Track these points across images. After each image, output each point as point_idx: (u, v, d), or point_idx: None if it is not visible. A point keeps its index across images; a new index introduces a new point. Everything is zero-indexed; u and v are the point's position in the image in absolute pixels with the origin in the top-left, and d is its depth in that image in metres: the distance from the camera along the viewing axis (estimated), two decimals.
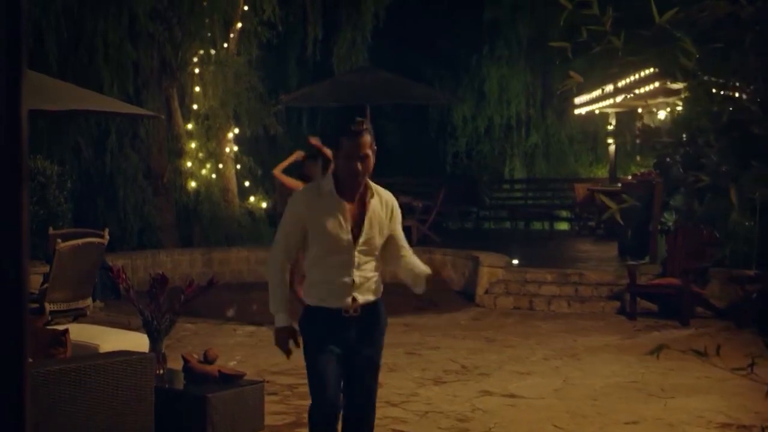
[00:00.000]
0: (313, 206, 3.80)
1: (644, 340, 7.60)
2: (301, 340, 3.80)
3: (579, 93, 14.92)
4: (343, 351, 3.75)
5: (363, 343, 3.77)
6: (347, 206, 3.80)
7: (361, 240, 3.75)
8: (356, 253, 3.74)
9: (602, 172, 16.55)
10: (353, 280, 3.73)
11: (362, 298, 3.74)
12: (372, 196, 3.85)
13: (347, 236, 3.75)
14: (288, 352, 3.79)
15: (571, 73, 2.46)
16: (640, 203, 10.54)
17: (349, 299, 3.70)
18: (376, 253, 3.83)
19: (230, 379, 4.66)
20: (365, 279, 3.77)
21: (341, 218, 3.76)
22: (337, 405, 3.71)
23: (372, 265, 3.81)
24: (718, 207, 8.94)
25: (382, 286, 3.85)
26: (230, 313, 8.57)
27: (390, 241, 3.88)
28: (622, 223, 2.78)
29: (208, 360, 4.73)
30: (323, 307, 3.74)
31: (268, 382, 5.50)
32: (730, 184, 2.41)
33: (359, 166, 3.70)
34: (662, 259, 8.96)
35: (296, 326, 3.81)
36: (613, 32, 2.25)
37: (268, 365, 6.42)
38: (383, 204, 3.89)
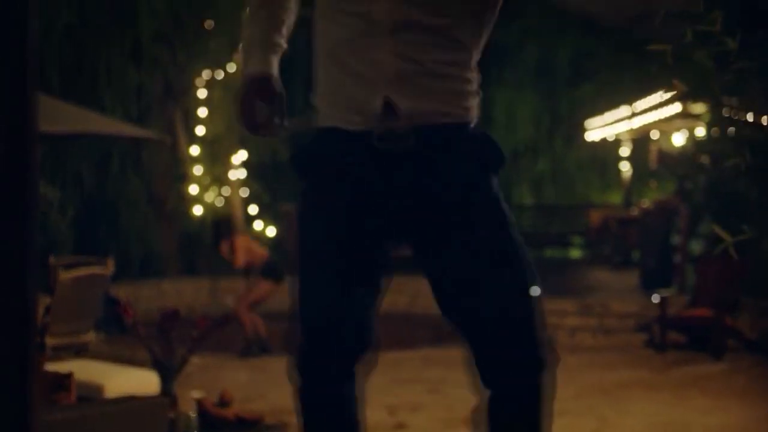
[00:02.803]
0: None
1: (677, 374, 7.22)
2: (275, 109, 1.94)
3: (590, 117, 14.63)
4: (389, 227, 1.93)
5: (434, 198, 1.89)
6: None
7: None
8: (402, 2, 1.82)
9: (614, 198, 16.23)
10: (390, 62, 1.83)
11: (409, 104, 1.85)
12: None
13: None
14: (255, 128, 1.94)
15: (674, 82, 2.11)
16: (660, 230, 10.19)
17: (378, 102, 1.85)
18: (464, 12, 1.90)
19: (248, 424, 4.28)
20: (422, 66, 1.86)
21: None
22: (337, 333, 1.96)
23: (448, 40, 1.89)
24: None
25: (476, 94, 1.99)
26: (240, 345, 8.18)
27: None
28: (735, 257, 2.43)
29: (223, 402, 4.35)
30: (335, 128, 1.92)
31: (285, 424, 5.11)
32: None
33: None
34: (692, 289, 8.60)
35: (277, 83, 1.96)
36: (723, 32, 1.89)
37: (285, 403, 5.99)
38: None
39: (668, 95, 10.49)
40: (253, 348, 7.99)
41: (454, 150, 1.91)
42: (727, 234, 2.25)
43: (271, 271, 8.07)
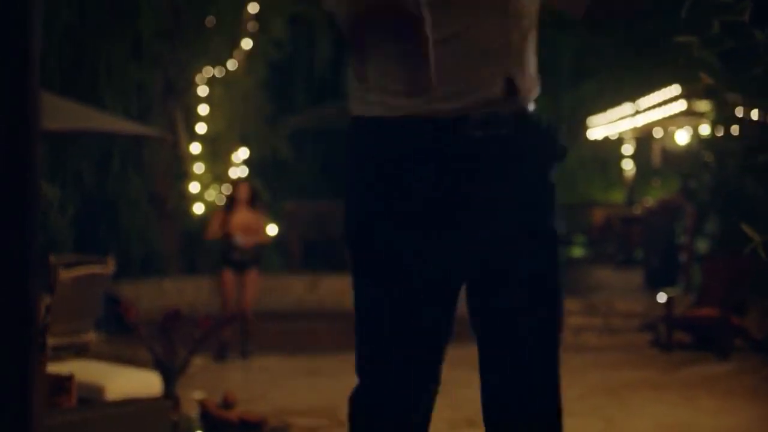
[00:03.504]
0: None
1: (684, 375, 7.14)
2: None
3: (593, 114, 14.55)
4: (453, 248, 1.75)
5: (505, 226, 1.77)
6: None
7: None
8: None
9: (617, 197, 16.14)
10: (504, 39, 1.66)
11: (522, 84, 1.70)
12: None
13: None
14: None
15: (702, 74, 2.03)
16: (664, 229, 10.11)
17: (500, 82, 1.66)
18: None
19: (252, 427, 4.20)
20: (526, 42, 1.71)
21: None
22: (403, 392, 1.83)
23: (528, 15, 1.71)
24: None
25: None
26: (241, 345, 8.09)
27: None
28: (763, 256, 2.35)
29: (227, 404, 4.28)
30: (401, 119, 1.69)
31: (289, 425, 5.04)
32: None
33: None
34: (698, 288, 8.53)
35: None
36: (753, 23, 1.80)
37: (286, 404, 5.95)
38: None
39: (672, 92, 10.41)
40: (248, 348, 7.92)
41: (530, 142, 1.78)
42: (755, 232, 2.17)
43: (258, 257, 8.24)
